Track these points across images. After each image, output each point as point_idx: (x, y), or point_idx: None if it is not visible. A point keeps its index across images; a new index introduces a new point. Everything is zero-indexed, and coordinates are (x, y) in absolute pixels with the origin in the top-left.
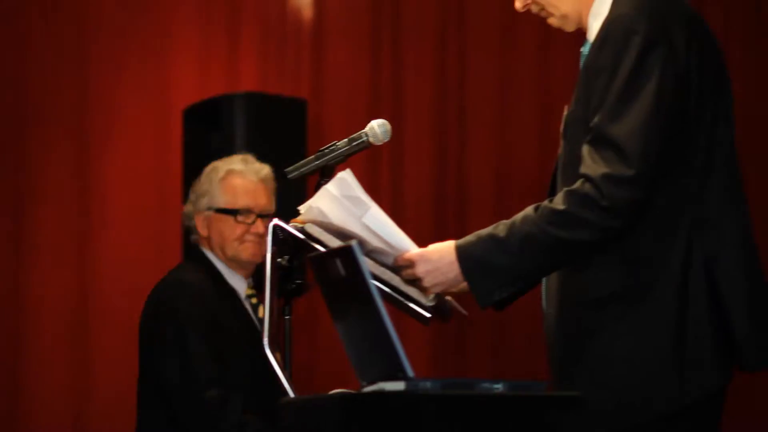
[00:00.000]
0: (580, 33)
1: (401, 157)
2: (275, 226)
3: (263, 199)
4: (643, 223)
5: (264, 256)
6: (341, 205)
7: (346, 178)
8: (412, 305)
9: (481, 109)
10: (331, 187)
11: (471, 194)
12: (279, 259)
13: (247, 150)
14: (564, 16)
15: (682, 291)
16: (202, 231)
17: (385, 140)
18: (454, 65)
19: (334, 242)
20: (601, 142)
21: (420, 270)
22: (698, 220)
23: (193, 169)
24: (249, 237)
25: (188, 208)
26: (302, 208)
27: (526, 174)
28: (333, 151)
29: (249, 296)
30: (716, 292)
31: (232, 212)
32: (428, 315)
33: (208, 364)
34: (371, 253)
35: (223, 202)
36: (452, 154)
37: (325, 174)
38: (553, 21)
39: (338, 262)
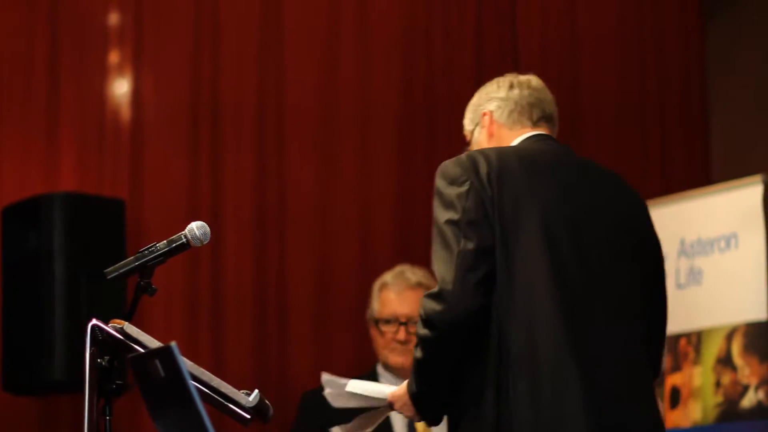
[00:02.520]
0: (397, 140)
1: (221, 259)
2: (93, 326)
3: (407, 307)
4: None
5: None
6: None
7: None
8: (231, 406)
9: (301, 209)
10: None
11: (291, 296)
12: (99, 360)
13: (66, 250)
14: None
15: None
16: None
17: (205, 242)
18: (273, 166)
19: (154, 343)
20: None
21: (397, 407)
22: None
23: (11, 268)
24: (393, 344)
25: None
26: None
27: (347, 279)
28: (152, 252)
29: None
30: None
31: (376, 322)
32: (248, 416)
33: None
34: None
35: (375, 312)
36: (272, 256)
37: (145, 275)
38: None
39: (158, 363)
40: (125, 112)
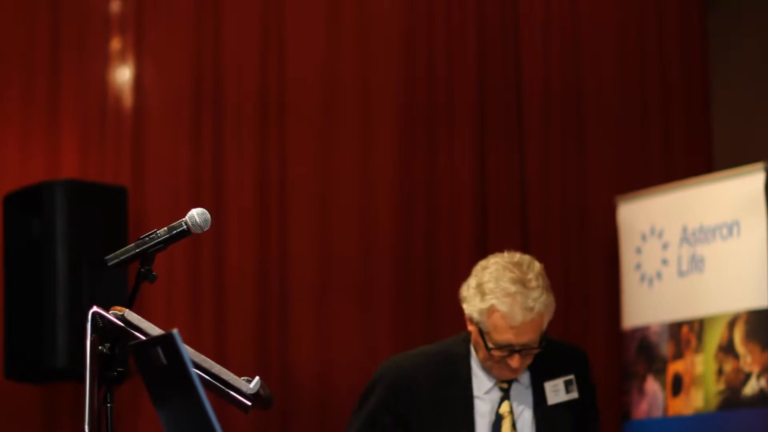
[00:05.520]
0: (398, 127)
1: (223, 245)
2: (94, 314)
3: (525, 338)
4: None
5: (519, 374)
6: None
7: None
8: (232, 393)
9: (303, 197)
10: None
11: (293, 283)
12: (100, 347)
13: (68, 238)
14: None
15: None
16: (468, 324)
17: (205, 228)
18: (275, 154)
19: (155, 330)
20: None
21: None
22: None
23: (13, 256)
24: (503, 365)
25: (462, 294)
26: None
27: (348, 266)
28: (153, 239)
29: (496, 386)
30: None
31: (487, 347)
32: (249, 402)
33: None
34: None
35: (484, 327)
36: (274, 243)
37: (145, 262)
38: None
39: (159, 351)
40: (127, 99)
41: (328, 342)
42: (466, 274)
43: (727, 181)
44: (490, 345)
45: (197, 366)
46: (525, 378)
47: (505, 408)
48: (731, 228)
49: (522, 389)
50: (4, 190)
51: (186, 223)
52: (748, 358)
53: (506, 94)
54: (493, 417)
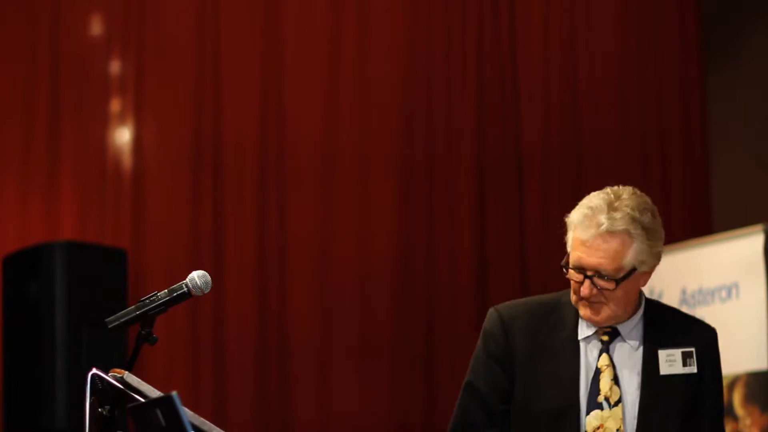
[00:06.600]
0: (397, 185)
1: (223, 307)
2: (94, 376)
3: (594, 258)
4: None
5: (603, 321)
6: None
7: None
8: None
9: (302, 258)
10: None
11: (293, 344)
12: (99, 409)
13: (67, 299)
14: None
15: None
16: None
17: (206, 291)
18: (274, 215)
19: (154, 392)
20: None
21: None
22: None
23: (12, 317)
24: (579, 296)
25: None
26: None
27: (348, 325)
28: (153, 301)
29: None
30: None
31: (563, 265)
32: None
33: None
34: None
35: (568, 248)
36: (273, 304)
37: (146, 324)
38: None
39: (158, 413)
40: (126, 160)
41: (328, 401)
42: (465, 333)
43: (727, 243)
44: (566, 260)
45: (196, 428)
46: (634, 339)
47: (603, 361)
48: (730, 290)
49: (628, 350)
50: (3, 252)
51: (186, 286)
52: (747, 420)
53: (506, 157)
54: (592, 371)
